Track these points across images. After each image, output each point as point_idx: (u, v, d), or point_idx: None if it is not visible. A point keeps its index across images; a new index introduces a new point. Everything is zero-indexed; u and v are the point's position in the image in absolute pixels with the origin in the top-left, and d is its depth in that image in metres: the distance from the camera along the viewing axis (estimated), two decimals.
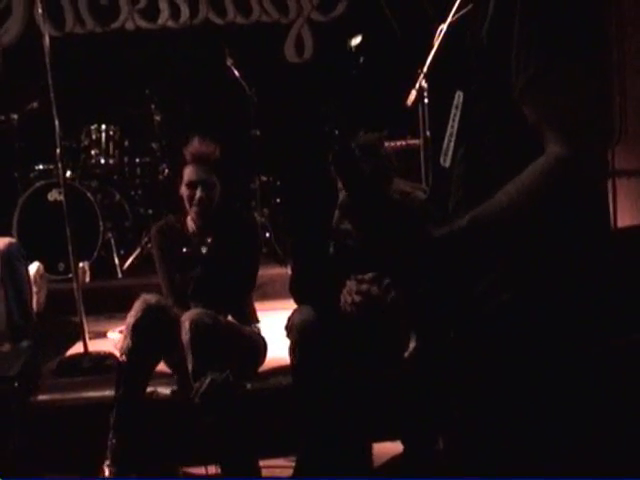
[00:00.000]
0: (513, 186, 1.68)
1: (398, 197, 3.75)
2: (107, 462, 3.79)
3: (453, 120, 1.88)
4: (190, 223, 4.25)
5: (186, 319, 3.81)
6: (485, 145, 1.80)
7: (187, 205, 4.19)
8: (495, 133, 1.78)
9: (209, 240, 4.18)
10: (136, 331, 3.86)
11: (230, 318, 4.14)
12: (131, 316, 3.91)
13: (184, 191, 4.18)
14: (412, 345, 3.57)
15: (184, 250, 4.20)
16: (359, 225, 1.77)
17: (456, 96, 1.88)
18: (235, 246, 4.16)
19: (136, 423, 3.86)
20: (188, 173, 4.16)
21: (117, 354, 3.98)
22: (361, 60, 5.87)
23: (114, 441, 3.79)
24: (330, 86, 7.34)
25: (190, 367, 3.76)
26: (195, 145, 4.18)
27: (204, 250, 4.17)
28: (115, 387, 3.87)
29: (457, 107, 1.87)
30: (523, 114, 1.71)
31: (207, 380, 3.71)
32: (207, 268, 4.13)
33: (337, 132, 1.78)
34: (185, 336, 3.76)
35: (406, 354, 3.54)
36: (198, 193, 4.12)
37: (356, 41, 5.61)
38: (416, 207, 3.64)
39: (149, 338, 3.87)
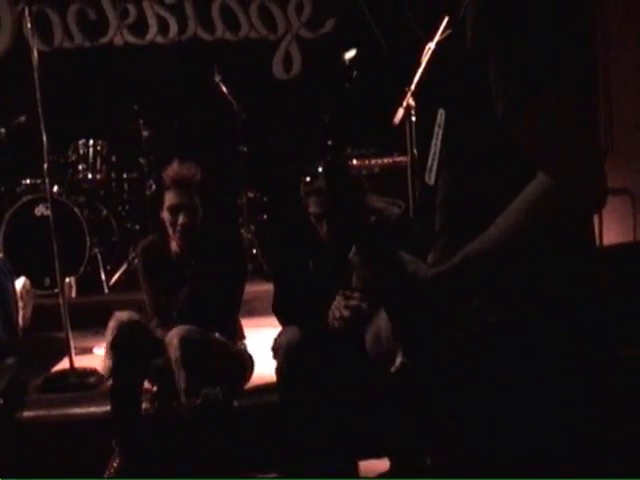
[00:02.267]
0: (503, 220, 1.67)
1: (372, 218, 3.76)
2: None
3: (436, 138, 1.89)
4: (174, 245, 4.22)
5: (174, 336, 3.81)
6: (469, 166, 1.81)
7: (170, 229, 4.15)
8: (478, 154, 1.79)
9: (193, 262, 4.17)
10: (115, 350, 3.90)
11: (217, 335, 4.13)
12: (107, 335, 3.95)
13: (166, 215, 4.14)
14: (399, 360, 3.56)
15: (169, 272, 4.19)
16: (367, 278, 1.80)
17: (438, 115, 1.88)
18: (219, 266, 4.15)
19: (138, 440, 3.87)
20: (170, 198, 4.11)
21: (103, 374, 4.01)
22: (354, 74, 5.89)
23: (118, 460, 3.81)
24: (318, 103, 7.35)
25: (183, 383, 3.76)
26: (175, 169, 4.11)
27: (189, 272, 4.16)
28: (110, 408, 3.90)
29: (440, 125, 1.88)
30: (505, 135, 1.70)
31: (201, 395, 3.71)
32: (192, 290, 4.12)
33: (331, 142, 1.79)
34: (175, 353, 3.76)
35: (392, 368, 3.54)
36: (181, 219, 4.08)
37: (350, 54, 5.62)
38: (391, 224, 3.67)
39: (128, 354, 3.90)
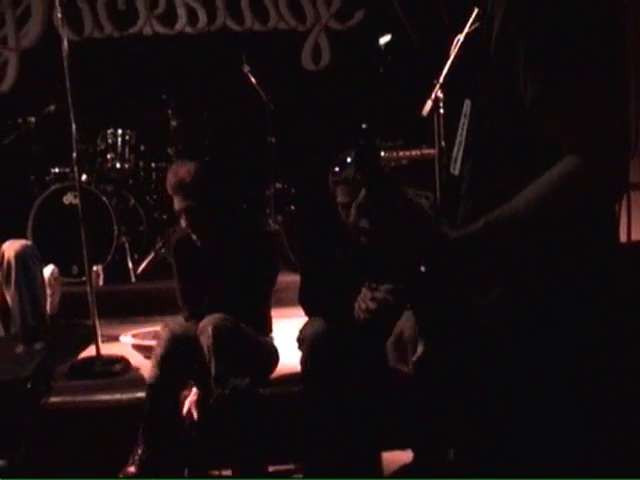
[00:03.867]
0: (530, 191, 1.67)
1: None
2: (130, 468, 3.83)
3: (462, 128, 1.89)
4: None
5: (208, 324, 3.83)
6: (493, 156, 1.81)
7: None
8: (503, 144, 1.79)
9: (222, 254, 4.18)
10: (164, 362, 3.93)
11: (245, 326, 4.14)
12: (158, 346, 3.99)
13: None
14: (420, 349, 3.56)
15: (200, 264, 4.22)
16: (376, 224, 1.75)
17: (465, 104, 1.89)
18: (248, 258, 4.16)
19: (165, 437, 3.90)
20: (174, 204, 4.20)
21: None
22: (389, 59, 5.87)
23: (141, 450, 3.84)
24: (346, 94, 7.34)
25: (213, 371, 3.78)
26: (169, 178, 4.18)
27: (221, 265, 4.18)
28: (144, 406, 3.93)
29: (465, 115, 1.88)
30: (530, 126, 1.71)
31: (229, 386, 3.73)
32: (221, 282, 4.14)
33: (364, 126, 1.76)
34: (207, 340, 3.78)
35: (414, 358, 3.54)
36: (183, 223, 4.16)
37: (385, 39, 5.61)
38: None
39: (176, 369, 3.95)
